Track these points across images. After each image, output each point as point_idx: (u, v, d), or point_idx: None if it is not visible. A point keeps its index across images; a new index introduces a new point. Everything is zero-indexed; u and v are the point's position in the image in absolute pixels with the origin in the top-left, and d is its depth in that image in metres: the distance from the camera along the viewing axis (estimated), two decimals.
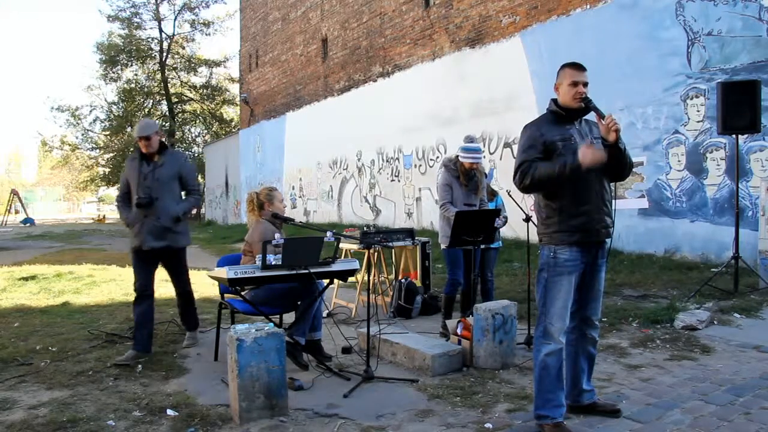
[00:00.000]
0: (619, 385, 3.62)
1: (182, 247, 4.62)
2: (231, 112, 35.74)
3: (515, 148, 10.43)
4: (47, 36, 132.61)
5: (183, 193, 4.70)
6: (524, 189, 2.98)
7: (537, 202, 3.08)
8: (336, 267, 4.15)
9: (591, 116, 3.05)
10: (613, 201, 3.04)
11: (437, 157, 12.56)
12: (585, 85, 2.96)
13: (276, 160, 20.44)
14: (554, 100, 3.06)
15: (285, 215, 4.59)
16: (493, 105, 11.03)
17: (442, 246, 5.12)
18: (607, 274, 3.22)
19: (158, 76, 33.11)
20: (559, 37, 9.62)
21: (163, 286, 7.89)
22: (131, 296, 6.95)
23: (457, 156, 5.12)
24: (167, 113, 33.49)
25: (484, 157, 11.12)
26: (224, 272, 3.78)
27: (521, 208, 4.84)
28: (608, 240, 3.04)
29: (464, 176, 5.07)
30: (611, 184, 3.06)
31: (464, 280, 5.27)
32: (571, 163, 2.83)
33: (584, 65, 3.01)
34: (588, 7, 9.25)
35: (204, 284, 7.76)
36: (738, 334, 4.71)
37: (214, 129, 34.32)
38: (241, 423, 3.08)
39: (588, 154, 2.80)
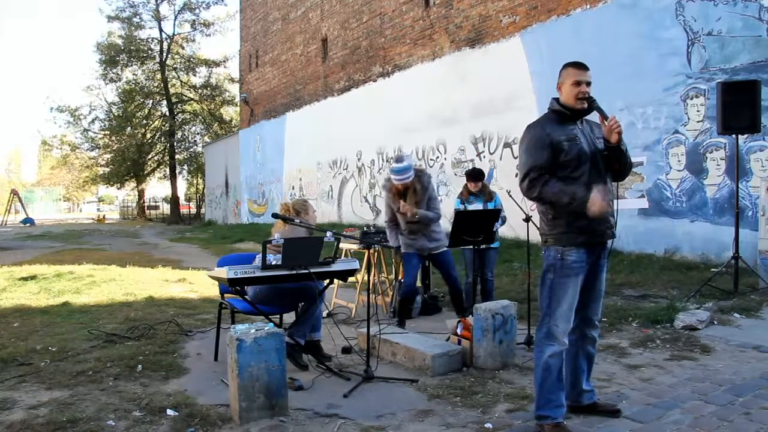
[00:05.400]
0: (619, 385, 3.62)
1: None
2: (231, 112, 35.76)
3: (515, 148, 10.47)
4: (47, 36, 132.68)
5: None
6: (528, 197, 2.97)
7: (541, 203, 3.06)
8: (336, 267, 4.15)
9: (593, 116, 3.04)
10: (616, 201, 3.03)
11: (437, 157, 12.56)
12: (588, 84, 2.93)
13: (276, 160, 20.44)
14: (556, 100, 3.02)
15: (283, 215, 4.59)
16: (493, 105, 11.03)
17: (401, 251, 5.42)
18: (607, 274, 3.21)
19: (158, 76, 33.11)
20: (559, 37, 9.62)
21: (164, 285, 7.92)
22: (131, 296, 7.02)
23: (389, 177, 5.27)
24: (167, 113, 33.50)
25: (484, 157, 11.21)
26: (224, 272, 3.78)
27: (521, 208, 4.84)
28: (611, 240, 3.03)
29: (397, 196, 5.21)
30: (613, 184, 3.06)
31: (447, 283, 5.38)
32: (580, 200, 2.82)
33: (587, 64, 3.00)
34: (588, 7, 9.25)
35: (204, 284, 7.77)
36: (738, 334, 4.71)
37: (213, 129, 34.33)
38: (241, 423, 3.08)
39: (597, 203, 2.81)
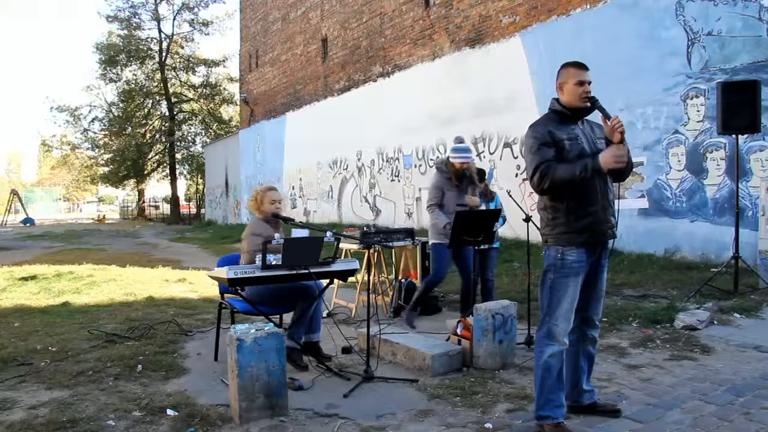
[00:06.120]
0: (619, 385, 3.62)
1: None
2: (230, 111, 35.75)
3: (515, 148, 10.47)
4: (47, 36, 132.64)
5: None
6: (542, 191, 2.91)
7: (542, 203, 3.03)
8: (336, 267, 4.15)
9: (593, 116, 3.04)
10: (616, 201, 3.03)
11: (437, 157, 12.55)
12: (589, 84, 2.94)
13: (276, 160, 20.44)
14: (557, 100, 3.02)
15: (283, 215, 4.61)
16: (493, 105, 11.02)
17: (431, 242, 5.47)
18: (607, 274, 3.20)
19: (158, 76, 33.11)
20: (559, 37, 9.62)
21: (164, 285, 7.92)
22: (131, 296, 7.02)
23: (448, 157, 5.32)
24: (167, 113, 33.49)
25: (484, 157, 11.21)
26: (224, 272, 3.78)
27: (521, 208, 4.84)
28: (611, 240, 3.03)
29: (456, 177, 5.28)
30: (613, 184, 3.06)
31: (464, 280, 5.34)
32: (591, 165, 2.80)
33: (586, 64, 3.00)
34: (588, 7, 9.25)
35: (204, 284, 7.77)
36: (738, 334, 4.71)
37: (213, 128, 34.33)
38: (241, 423, 3.08)
39: (609, 156, 2.79)
